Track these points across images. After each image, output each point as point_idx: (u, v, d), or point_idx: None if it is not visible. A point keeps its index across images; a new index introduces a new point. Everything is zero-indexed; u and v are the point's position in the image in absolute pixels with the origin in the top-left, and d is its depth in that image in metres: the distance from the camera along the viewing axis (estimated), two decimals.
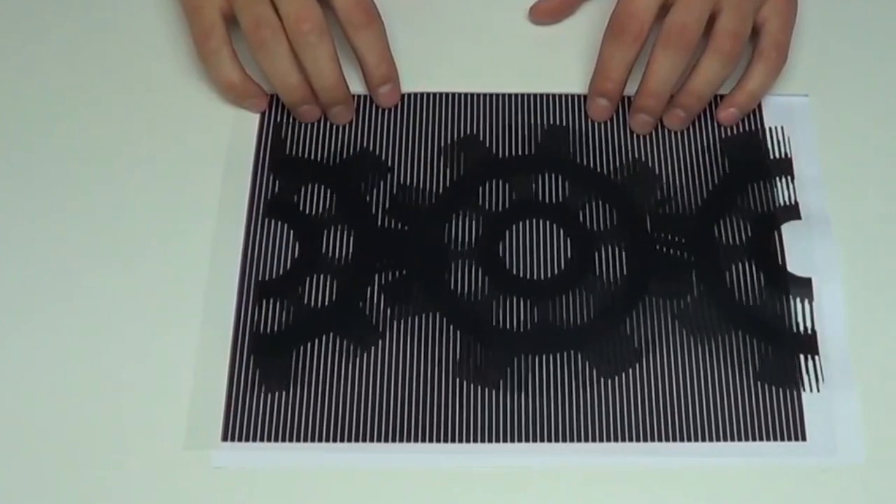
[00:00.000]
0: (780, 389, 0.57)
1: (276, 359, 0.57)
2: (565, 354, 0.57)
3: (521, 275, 0.60)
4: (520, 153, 0.64)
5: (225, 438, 0.55)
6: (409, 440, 0.56)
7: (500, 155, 0.64)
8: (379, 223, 0.61)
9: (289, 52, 0.61)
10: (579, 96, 0.65)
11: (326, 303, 0.59)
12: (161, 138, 0.64)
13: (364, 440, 0.56)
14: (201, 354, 0.57)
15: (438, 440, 0.56)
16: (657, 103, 0.62)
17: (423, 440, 0.56)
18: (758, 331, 0.58)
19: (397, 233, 0.61)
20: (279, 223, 0.61)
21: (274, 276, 0.60)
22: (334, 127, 0.64)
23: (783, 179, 0.63)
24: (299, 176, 0.63)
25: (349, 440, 0.56)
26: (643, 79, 0.62)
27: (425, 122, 0.65)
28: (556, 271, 0.60)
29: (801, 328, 0.58)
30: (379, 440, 0.56)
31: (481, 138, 0.64)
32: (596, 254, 0.60)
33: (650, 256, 0.60)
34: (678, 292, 0.59)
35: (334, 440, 0.56)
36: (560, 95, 0.65)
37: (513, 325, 0.59)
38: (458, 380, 0.57)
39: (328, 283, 0.60)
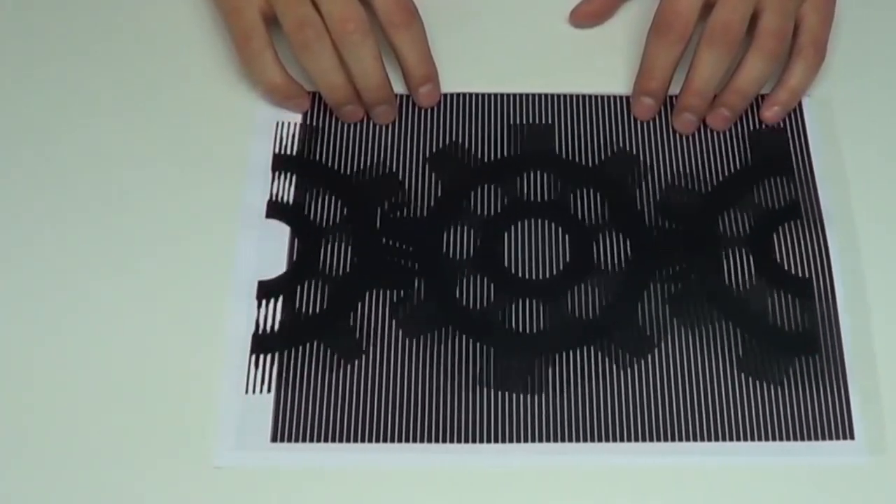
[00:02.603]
0: (824, 388, 0.57)
1: (287, 355, 0.59)
2: (586, 349, 0.58)
3: (526, 276, 0.61)
4: (507, 154, 0.65)
5: (274, 440, 0.56)
6: (412, 440, 0.56)
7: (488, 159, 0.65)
8: (383, 241, 0.62)
9: (333, 53, 0.62)
10: (587, 96, 0.67)
11: (318, 311, 0.60)
12: (179, 139, 0.65)
13: (373, 440, 0.56)
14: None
15: (441, 440, 0.56)
16: (702, 102, 0.63)
17: (427, 440, 0.56)
18: (758, 330, 0.59)
19: (396, 249, 0.62)
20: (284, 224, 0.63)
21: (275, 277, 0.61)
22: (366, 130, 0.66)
23: (783, 179, 0.63)
24: (310, 179, 0.64)
25: (359, 441, 0.56)
26: (688, 77, 0.63)
27: (462, 121, 0.66)
28: (559, 268, 0.61)
29: (802, 328, 0.59)
30: (382, 440, 0.56)
31: (504, 139, 0.65)
32: (594, 245, 0.61)
33: (650, 242, 0.61)
34: (682, 297, 0.60)
35: (347, 441, 0.56)
36: (603, 97, 0.67)
37: (527, 328, 0.59)
38: (470, 384, 0.57)
39: (322, 292, 0.60)
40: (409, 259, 0.61)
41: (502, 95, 0.67)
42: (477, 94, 0.67)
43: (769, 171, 0.64)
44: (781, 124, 0.65)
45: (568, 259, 0.61)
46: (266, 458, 0.56)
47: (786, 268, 0.60)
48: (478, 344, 0.59)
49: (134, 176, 0.64)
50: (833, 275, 0.60)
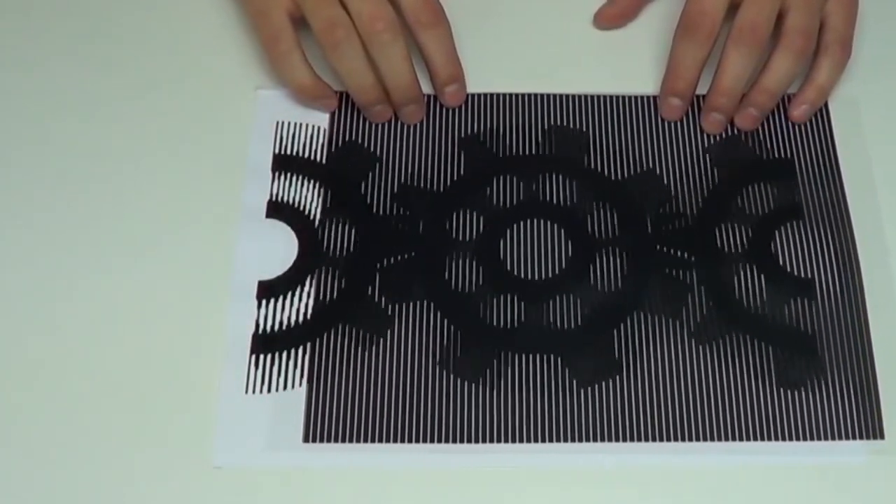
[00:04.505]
0: (853, 388, 0.58)
1: (287, 356, 0.59)
2: (546, 357, 0.59)
3: (518, 273, 0.61)
4: (536, 153, 0.65)
5: (307, 440, 0.57)
6: (413, 441, 0.57)
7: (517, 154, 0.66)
8: (376, 211, 0.63)
9: (362, 53, 0.62)
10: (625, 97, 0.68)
11: (334, 296, 0.60)
12: (179, 139, 0.66)
13: (405, 440, 0.57)
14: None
15: (437, 440, 0.57)
16: (730, 101, 0.64)
17: (421, 441, 0.57)
18: (759, 332, 0.59)
19: (398, 219, 0.63)
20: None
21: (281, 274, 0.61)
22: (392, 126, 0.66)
23: (783, 180, 0.64)
24: (295, 174, 0.65)
25: (391, 441, 0.57)
26: (715, 77, 0.64)
27: (494, 119, 0.67)
28: (552, 273, 0.61)
29: (802, 328, 0.59)
30: (413, 440, 0.57)
31: (537, 138, 0.66)
32: (595, 260, 0.62)
33: (650, 268, 0.61)
34: (676, 308, 0.60)
35: (378, 441, 0.57)
36: (641, 97, 0.67)
37: (499, 323, 0.60)
38: (455, 377, 0.58)
39: (333, 277, 0.61)
40: (412, 227, 0.62)
41: (538, 96, 0.67)
42: (511, 94, 0.67)
43: (781, 170, 0.65)
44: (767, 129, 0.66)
45: (563, 268, 0.61)
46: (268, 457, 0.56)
47: (806, 269, 0.61)
48: (451, 325, 0.59)
49: (134, 175, 0.64)
50: (862, 275, 0.61)
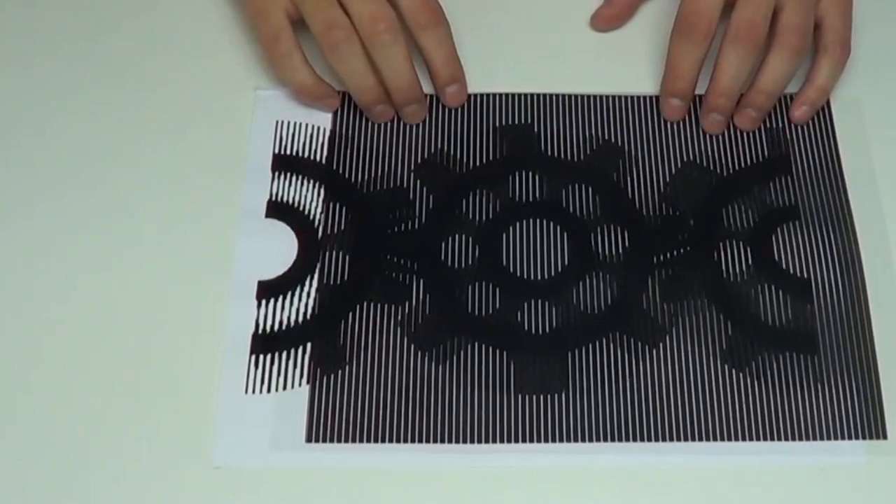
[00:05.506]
0: (853, 386, 0.58)
1: (286, 356, 0.59)
2: (600, 344, 0.59)
3: (530, 277, 0.61)
4: (492, 157, 0.66)
5: (309, 440, 0.57)
6: (416, 441, 0.57)
7: (551, 153, 0.66)
8: (383, 256, 0.62)
9: (363, 54, 0.63)
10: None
11: (308, 318, 0.60)
12: (179, 138, 0.66)
13: (407, 441, 0.57)
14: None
15: (440, 440, 0.57)
16: (728, 101, 0.64)
17: (424, 441, 0.57)
18: (757, 331, 0.60)
19: (395, 264, 0.62)
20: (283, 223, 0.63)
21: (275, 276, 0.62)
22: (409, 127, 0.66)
23: (782, 179, 0.64)
24: (295, 174, 0.65)
25: (393, 441, 0.57)
26: (713, 78, 0.64)
27: (447, 125, 0.67)
28: (561, 265, 0.62)
29: (802, 329, 0.60)
30: (417, 441, 0.57)
31: (488, 142, 0.66)
32: (592, 238, 0.62)
33: (647, 231, 0.63)
34: (681, 295, 0.61)
35: (381, 441, 0.57)
36: (585, 96, 0.68)
37: (540, 329, 0.60)
38: (501, 391, 0.58)
39: (314, 299, 0.61)
40: (410, 274, 0.61)
41: (537, 96, 0.68)
42: (511, 94, 0.68)
43: (780, 170, 0.65)
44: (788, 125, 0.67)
45: (568, 255, 0.62)
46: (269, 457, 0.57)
47: (807, 269, 0.61)
48: (497, 350, 0.59)
49: (134, 176, 0.65)
50: (864, 275, 0.61)
